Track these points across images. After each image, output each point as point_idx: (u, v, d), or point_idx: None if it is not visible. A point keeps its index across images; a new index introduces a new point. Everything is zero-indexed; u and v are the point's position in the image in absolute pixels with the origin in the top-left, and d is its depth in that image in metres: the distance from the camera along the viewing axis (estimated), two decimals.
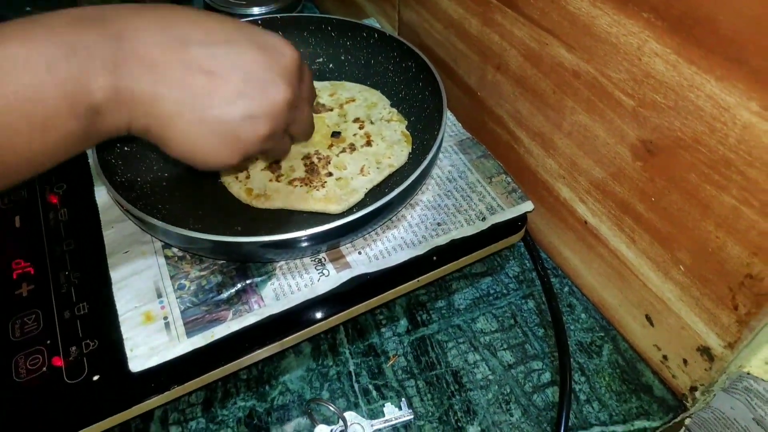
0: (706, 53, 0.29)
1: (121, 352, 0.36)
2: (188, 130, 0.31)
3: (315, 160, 0.47)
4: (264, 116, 0.33)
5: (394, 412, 0.39)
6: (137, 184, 0.44)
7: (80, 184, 0.47)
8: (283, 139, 0.37)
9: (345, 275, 0.40)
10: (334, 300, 0.40)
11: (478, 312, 0.45)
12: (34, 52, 0.27)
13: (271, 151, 0.37)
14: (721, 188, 0.31)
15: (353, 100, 0.53)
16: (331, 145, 0.48)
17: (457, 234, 0.43)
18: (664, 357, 0.40)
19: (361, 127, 0.50)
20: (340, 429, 0.38)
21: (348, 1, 0.77)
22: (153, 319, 0.38)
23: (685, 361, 0.38)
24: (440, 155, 0.49)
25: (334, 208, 0.43)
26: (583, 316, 0.45)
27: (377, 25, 0.57)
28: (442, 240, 0.42)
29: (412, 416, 0.39)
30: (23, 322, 0.38)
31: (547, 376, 0.41)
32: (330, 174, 0.46)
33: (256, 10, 0.71)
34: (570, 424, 0.38)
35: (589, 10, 0.36)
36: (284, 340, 0.39)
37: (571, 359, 0.42)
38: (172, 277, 0.40)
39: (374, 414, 0.39)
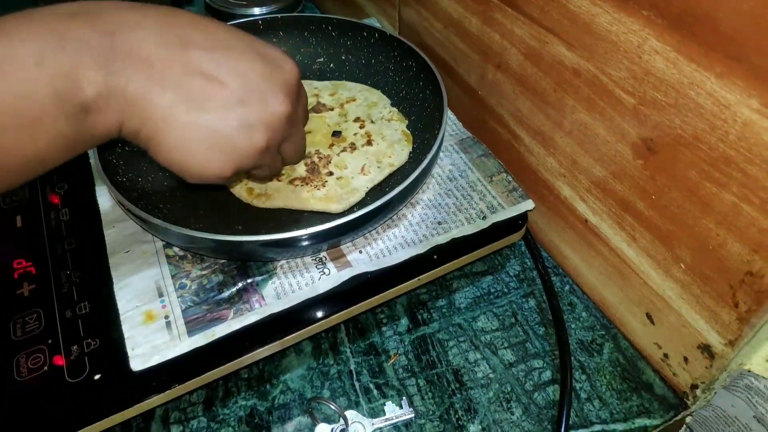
0: (706, 51, 0.29)
1: (123, 351, 0.36)
2: (181, 135, 0.29)
3: (316, 159, 0.47)
4: (262, 127, 0.31)
5: (395, 411, 0.39)
6: (138, 183, 0.44)
7: (81, 184, 0.47)
8: (276, 156, 0.35)
9: (346, 274, 0.40)
10: (334, 299, 0.40)
11: (478, 311, 0.45)
12: (23, 46, 0.25)
13: (262, 169, 0.35)
14: (721, 186, 0.31)
15: (354, 100, 0.53)
16: (331, 145, 0.48)
17: (457, 233, 0.43)
18: (665, 355, 0.40)
19: (361, 127, 0.50)
20: (341, 428, 0.38)
21: (348, 1, 0.77)
22: (154, 318, 0.38)
23: (685, 359, 0.38)
24: (441, 154, 0.49)
25: (334, 207, 0.43)
26: (583, 314, 0.45)
27: (377, 25, 0.57)
28: (443, 239, 0.42)
29: (412, 415, 0.39)
30: (24, 322, 0.38)
31: (547, 375, 0.41)
32: (331, 173, 0.46)
33: (256, 10, 0.72)
34: (571, 422, 0.38)
35: (589, 8, 0.36)
36: (285, 338, 0.39)
37: (572, 357, 0.42)
38: (173, 277, 0.40)
39: (375, 413, 0.39)
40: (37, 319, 0.38)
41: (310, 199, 0.44)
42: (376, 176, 0.46)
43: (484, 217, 0.44)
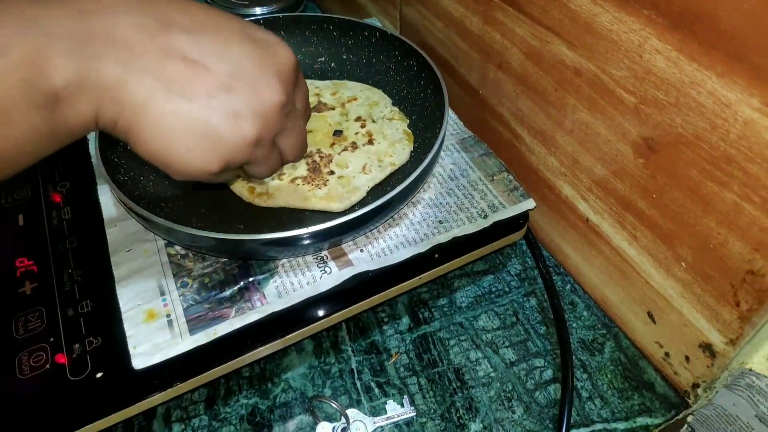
0: (706, 50, 0.29)
1: (124, 349, 0.36)
2: (160, 125, 0.27)
3: (317, 158, 0.47)
4: (252, 116, 0.28)
5: (397, 410, 0.39)
6: (140, 182, 0.44)
7: (83, 183, 0.47)
8: (272, 151, 0.32)
9: (347, 273, 0.40)
10: (336, 297, 0.40)
11: (480, 310, 0.45)
12: None
13: (257, 165, 0.32)
14: (722, 184, 0.31)
15: (355, 99, 0.53)
16: (333, 144, 0.48)
17: (458, 232, 0.43)
18: (666, 354, 0.40)
19: (363, 126, 0.50)
20: (342, 426, 0.38)
21: (349, 1, 0.77)
22: (156, 316, 0.38)
23: (687, 358, 0.38)
24: (442, 153, 0.49)
25: (336, 206, 0.43)
26: (585, 313, 0.45)
27: (379, 24, 0.57)
28: (444, 238, 0.43)
29: (414, 413, 0.39)
30: (27, 320, 0.38)
31: (549, 374, 0.41)
32: (332, 172, 0.46)
33: (258, 10, 0.72)
34: (572, 421, 0.38)
35: (590, 7, 0.36)
36: (286, 337, 0.39)
37: (573, 356, 0.42)
38: (174, 275, 0.40)
39: (376, 411, 0.39)
40: (39, 318, 0.38)
41: (312, 198, 0.44)
42: (377, 175, 0.46)
43: (485, 216, 0.44)
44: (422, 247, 0.42)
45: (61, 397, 0.35)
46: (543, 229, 0.50)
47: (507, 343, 0.43)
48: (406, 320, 0.44)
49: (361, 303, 0.41)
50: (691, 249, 0.35)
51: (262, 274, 0.40)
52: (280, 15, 0.56)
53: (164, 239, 0.42)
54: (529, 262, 0.48)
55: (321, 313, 0.40)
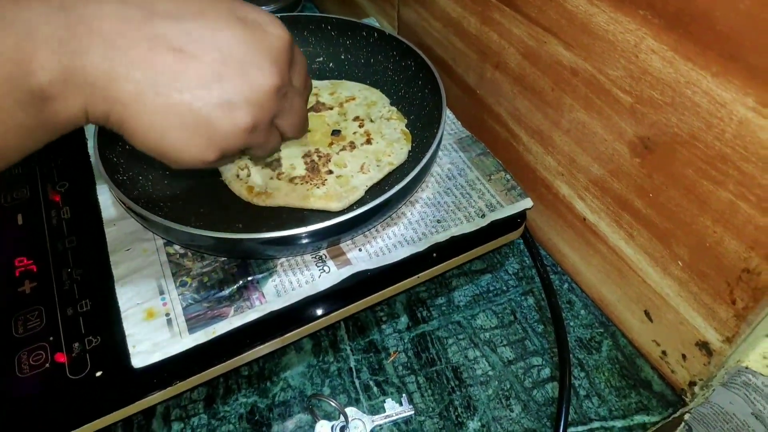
0: (702, 50, 0.30)
1: (124, 348, 0.36)
2: (153, 118, 0.26)
3: (315, 158, 0.47)
4: (245, 104, 0.28)
5: (395, 408, 0.39)
6: (139, 182, 0.44)
7: (82, 183, 0.47)
8: (270, 133, 0.32)
9: (345, 272, 0.40)
10: (334, 296, 0.40)
11: (477, 308, 0.45)
12: None
13: (256, 149, 0.32)
14: (718, 183, 0.31)
15: (353, 99, 0.53)
16: (331, 144, 0.48)
17: (456, 231, 0.43)
18: (663, 352, 0.40)
19: (361, 126, 0.50)
20: (341, 425, 0.38)
21: (348, 1, 0.77)
22: (155, 315, 0.38)
23: (683, 356, 0.38)
24: (440, 153, 0.49)
25: (334, 205, 0.44)
26: (582, 312, 0.45)
27: (377, 25, 0.58)
28: (442, 237, 0.43)
29: (412, 412, 0.39)
30: (26, 319, 0.38)
31: (546, 372, 0.41)
32: (330, 172, 0.46)
33: None
34: (570, 419, 0.38)
35: (587, 8, 0.36)
36: (285, 336, 0.39)
37: (571, 355, 0.42)
38: (173, 275, 0.40)
39: (375, 410, 0.39)
40: (38, 317, 0.38)
41: (310, 197, 0.44)
42: (375, 175, 0.46)
43: (483, 216, 0.44)
44: (420, 247, 0.42)
45: (60, 396, 0.35)
46: (540, 229, 0.50)
47: (505, 342, 0.43)
48: (404, 319, 0.45)
49: (359, 302, 0.41)
50: (688, 248, 0.35)
51: (260, 273, 0.41)
52: (278, 15, 0.56)
53: (163, 238, 0.42)
54: (527, 261, 0.49)
55: (320, 312, 0.40)
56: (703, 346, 0.36)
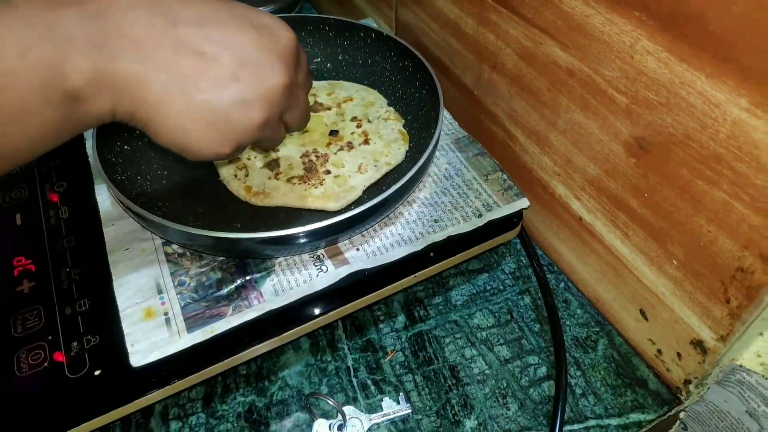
0: (696, 51, 0.30)
1: (122, 347, 0.36)
2: (176, 116, 0.29)
3: (313, 158, 0.47)
4: (259, 101, 0.31)
5: (393, 407, 0.39)
6: (137, 182, 0.45)
7: (80, 183, 0.47)
8: (279, 127, 0.35)
9: (343, 271, 0.41)
10: (332, 296, 0.40)
11: (474, 308, 0.46)
12: (6, 36, 0.24)
13: (265, 141, 0.35)
14: (712, 183, 0.32)
15: (351, 99, 0.53)
16: (329, 144, 0.49)
17: (453, 230, 0.43)
18: (659, 351, 0.41)
19: (358, 126, 0.50)
20: (339, 423, 0.38)
21: (345, 2, 0.78)
22: (154, 314, 0.38)
23: (678, 355, 0.39)
24: (437, 153, 0.49)
25: (332, 205, 0.44)
26: (578, 311, 0.46)
27: (374, 25, 0.58)
28: (439, 236, 0.43)
29: (410, 410, 0.39)
30: (25, 318, 0.38)
31: (543, 371, 0.42)
32: (328, 172, 0.46)
33: None
34: (566, 417, 0.39)
35: (583, 9, 0.36)
36: (283, 335, 0.39)
37: (567, 354, 0.42)
38: (172, 274, 0.41)
39: (372, 408, 0.39)
40: (37, 316, 0.39)
41: (308, 197, 0.44)
42: (373, 175, 0.46)
43: (480, 215, 0.44)
44: (418, 246, 0.42)
45: (59, 395, 0.35)
46: (537, 228, 0.50)
47: (501, 341, 0.43)
48: (401, 318, 0.45)
49: (357, 301, 0.41)
50: (682, 247, 0.35)
51: (258, 273, 0.41)
52: (277, 15, 0.56)
53: (161, 238, 0.42)
54: (524, 261, 0.49)
55: (317, 311, 0.40)
56: (698, 344, 0.37)
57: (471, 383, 0.41)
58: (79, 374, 0.36)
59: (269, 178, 0.46)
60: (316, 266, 0.41)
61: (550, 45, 0.40)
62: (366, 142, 0.49)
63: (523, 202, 0.46)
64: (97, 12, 0.26)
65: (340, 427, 0.38)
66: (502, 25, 0.45)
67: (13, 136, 0.26)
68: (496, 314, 0.45)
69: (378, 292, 0.42)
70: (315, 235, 0.38)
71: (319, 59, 0.58)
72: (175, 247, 0.42)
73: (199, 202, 0.45)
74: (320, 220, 0.37)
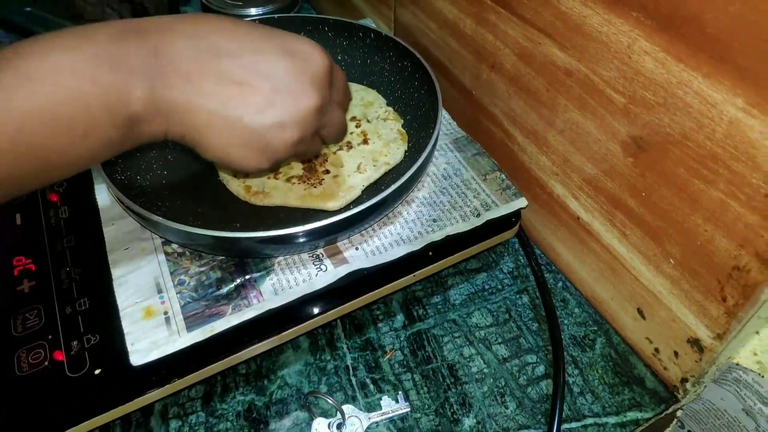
0: (693, 51, 0.30)
1: (122, 346, 0.37)
2: (219, 138, 0.33)
3: (312, 158, 0.47)
4: (293, 124, 0.34)
5: (391, 405, 0.39)
6: (137, 182, 0.45)
7: (80, 182, 0.47)
8: (313, 142, 0.38)
9: (342, 270, 0.41)
10: (331, 295, 0.41)
11: (473, 307, 0.46)
12: (80, 64, 0.28)
13: (301, 155, 0.38)
14: (708, 182, 0.32)
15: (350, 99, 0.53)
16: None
17: (452, 230, 0.44)
18: (656, 349, 0.41)
19: (358, 126, 0.50)
20: (338, 422, 0.38)
21: (344, 2, 0.78)
22: (153, 314, 0.38)
23: (676, 353, 0.39)
24: (436, 153, 0.50)
25: (331, 204, 0.44)
26: (576, 310, 0.46)
27: (373, 26, 0.58)
28: (438, 236, 0.43)
29: (408, 409, 0.39)
30: (25, 318, 0.39)
31: (541, 370, 0.42)
32: (327, 171, 0.46)
33: (253, 11, 0.72)
34: (564, 416, 0.39)
35: (581, 9, 0.37)
36: (283, 334, 0.39)
37: (565, 352, 0.43)
38: (172, 273, 0.41)
39: (372, 407, 0.40)
40: (37, 315, 0.39)
41: (307, 196, 0.44)
42: (372, 174, 0.46)
43: (478, 215, 0.45)
44: (416, 245, 0.43)
45: (59, 394, 0.35)
46: (535, 228, 0.50)
47: (500, 340, 0.44)
48: (400, 317, 0.45)
49: (356, 300, 0.41)
50: (679, 246, 0.35)
51: (258, 272, 0.41)
52: (276, 16, 0.57)
53: (161, 237, 0.43)
54: (522, 260, 0.49)
55: (316, 310, 0.40)
56: (695, 343, 0.37)
57: (469, 382, 0.41)
58: (79, 373, 0.36)
59: (268, 177, 0.46)
60: (315, 265, 0.41)
61: (549, 45, 0.41)
62: (365, 141, 0.49)
63: (522, 202, 0.46)
64: (154, 49, 0.31)
65: (339, 426, 0.38)
66: (500, 25, 0.45)
67: (79, 149, 0.30)
68: (495, 313, 0.45)
69: (377, 291, 0.42)
70: (314, 235, 0.38)
71: None
72: (174, 246, 0.42)
73: (198, 202, 0.45)
74: (319, 219, 0.37)
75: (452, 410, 0.40)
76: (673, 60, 0.31)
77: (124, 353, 0.36)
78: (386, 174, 0.47)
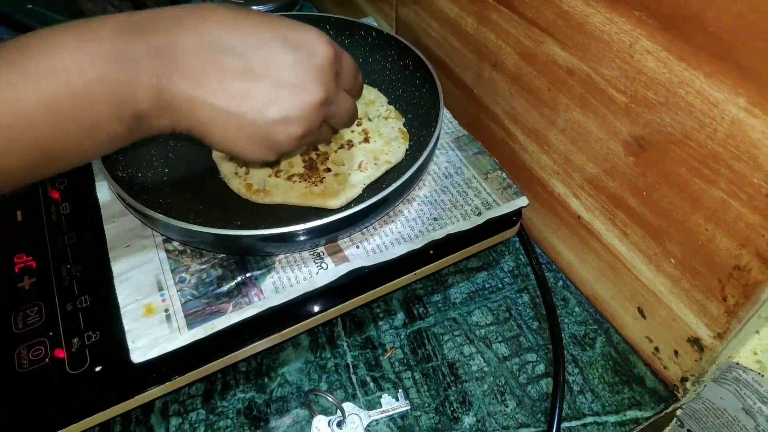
0: (695, 50, 0.30)
1: (123, 343, 0.37)
2: (225, 132, 0.33)
3: (314, 156, 0.47)
4: (297, 119, 0.34)
5: (391, 403, 0.40)
6: (138, 179, 0.45)
7: (81, 179, 0.47)
8: (321, 130, 0.38)
9: (343, 269, 0.41)
10: (332, 293, 0.41)
11: (473, 305, 0.46)
12: (86, 63, 0.29)
13: (311, 143, 0.39)
14: (710, 182, 0.32)
15: None
16: (329, 142, 0.49)
17: (453, 228, 0.44)
18: (656, 348, 0.41)
19: (359, 124, 0.50)
20: (338, 419, 0.39)
21: (346, 0, 0.78)
22: (154, 311, 0.38)
23: (676, 353, 0.39)
24: (437, 152, 0.50)
25: (332, 203, 0.44)
26: (576, 309, 0.46)
27: (375, 24, 0.58)
28: (439, 234, 0.43)
29: (408, 407, 0.39)
30: (26, 315, 0.39)
31: (541, 368, 0.42)
32: (328, 170, 0.46)
33: (254, 9, 0.72)
34: (563, 414, 0.39)
35: (583, 8, 0.37)
36: (283, 332, 0.39)
37: (565, 351, 0.43)
38: (172, 271, 0.41)
39: (372, 405, 0.40)
40: (37, 312, 0.39)
41: (308, 195, 0.44)
42: (373, 173, 0.46)
43: (479, 214, 0.45)
44: (417, 244, 0.43)
45: (59, 391, 0.35)
46: (536, 227, 0.50)
47: (500, 338, 0.44)
48: (401, 316, 0.45)
49: (356, 298, 0.41)
50: (680, 245, 0.35)
51: (259, 270, 0.41)
52: (277, 14, 0.57)
53: (162, 235, 0.43)
54: (522, 259, 0.49)
55: (317, 308, 0.40)
56: (695, 342, 0.37)
57: (469, 380, 0.41)
58: (79, 370, 0.36)
59: (270, 175, 0.46)
60: (316, 264, 0.41)
61: (550, 44, 0.41)
62: (366, 140, 0.49)
63: (522, 201, 0.46)
64: (159, 47, 0.31)
65: (340, 424, 0.38)
66: (502, 24, 0.45)
67: (86, 143, 0.31)
68: (495, 312, 0.45)
69: (377, 289, 0.42)
70: (315, 233, 0.38)
71: None
72: (175, 244, 0.42)
73: (199, 200, 0.45)
74: (320, 217, 0.37)
75: (452, 408, 0.40)
76: (674, 59, 0.31)
77: (124, 350, 0.36)
78: (387, 172, 0.47)
